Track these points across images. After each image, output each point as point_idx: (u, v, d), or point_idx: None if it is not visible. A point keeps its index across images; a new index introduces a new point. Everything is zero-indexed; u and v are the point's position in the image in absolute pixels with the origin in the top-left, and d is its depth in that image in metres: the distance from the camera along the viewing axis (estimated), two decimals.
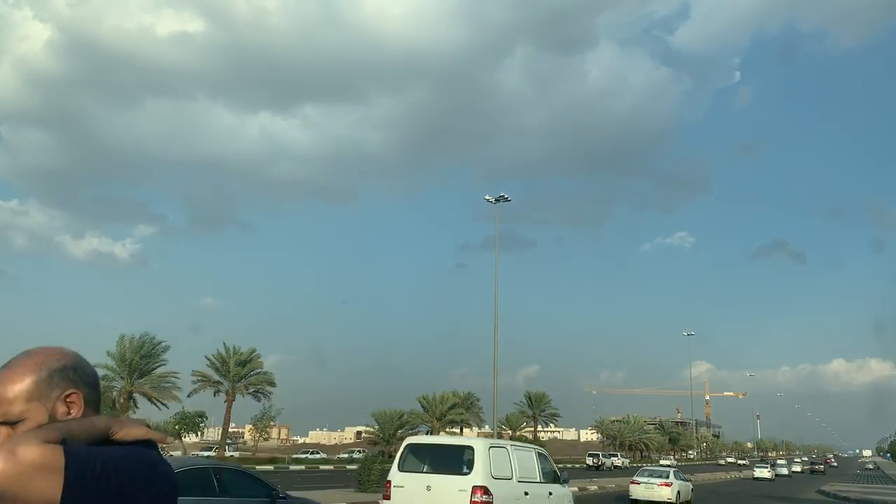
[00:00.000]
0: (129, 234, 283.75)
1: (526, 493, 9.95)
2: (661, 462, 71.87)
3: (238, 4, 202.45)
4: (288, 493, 10.27)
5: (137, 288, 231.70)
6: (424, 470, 10.00)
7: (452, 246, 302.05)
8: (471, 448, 9.76)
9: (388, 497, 10.04)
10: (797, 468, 75.60)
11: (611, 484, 33.49)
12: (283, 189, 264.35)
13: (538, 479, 10.62)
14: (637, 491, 23.37)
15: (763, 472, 52.83)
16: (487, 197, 45.54)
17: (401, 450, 10.53)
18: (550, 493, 10.64)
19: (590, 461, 62.02)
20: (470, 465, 9.43)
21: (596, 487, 31.14)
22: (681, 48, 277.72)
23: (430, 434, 67.43)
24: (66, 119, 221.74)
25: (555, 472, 11.45)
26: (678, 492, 23.45)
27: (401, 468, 10.07)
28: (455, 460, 9.83)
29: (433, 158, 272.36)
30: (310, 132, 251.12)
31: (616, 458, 69.46)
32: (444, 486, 9.37)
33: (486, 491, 9.04)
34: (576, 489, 18.57)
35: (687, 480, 26.38)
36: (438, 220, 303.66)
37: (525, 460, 10.51)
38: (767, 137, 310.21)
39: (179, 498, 1.67)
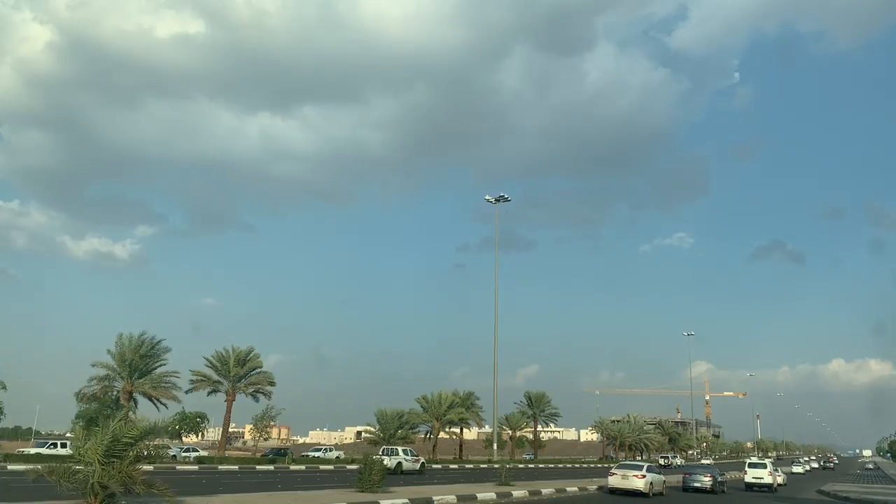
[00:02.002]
0: (129, 234, 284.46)
1: None
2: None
3: (238, 6, 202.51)
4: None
5: (137, 288, 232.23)
6: None
7: (451, 246, 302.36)
8: None
9: None
10: (815, 465, 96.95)
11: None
12: (283, 190, 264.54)
13: None
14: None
15: (798, 469, 74.04)
16: (487, 197, 45.69)
17: None
18: None
19: (662, 461, 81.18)
20: None
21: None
22: (679, 49, 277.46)
23: (430, 434, 67.36)
24: (66, 120, 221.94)
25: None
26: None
27: None
28: None
29: (432, 159, 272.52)
30: (309, 133, 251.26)
31: (677, 458, 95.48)
32: None
33: None
34: None
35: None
36: (437, 220, 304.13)
37: None
38: (766, 138, 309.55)
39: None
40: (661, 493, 29.48)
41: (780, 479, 42.90)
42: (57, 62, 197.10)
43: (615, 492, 28.16)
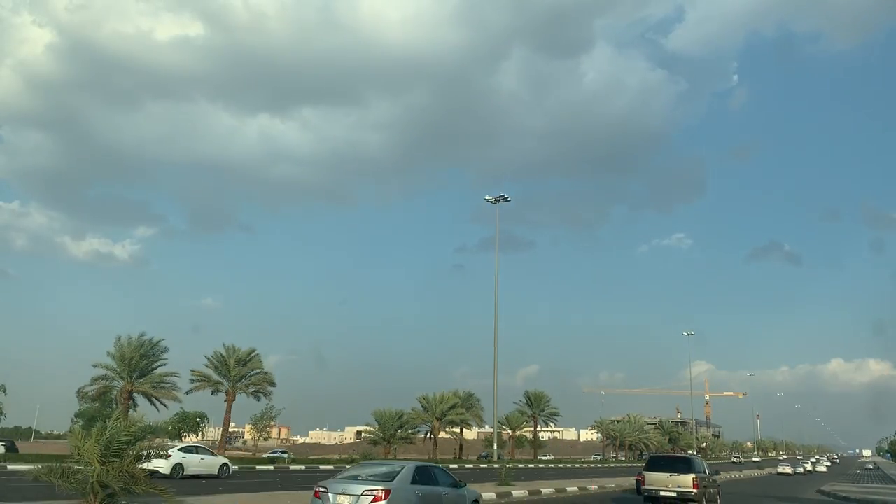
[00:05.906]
0: (129, 235, 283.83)
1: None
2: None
3: (237, 9, 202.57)
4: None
5: (137, 288, 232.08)
6: None
7: (450, 247, 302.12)
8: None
9: None
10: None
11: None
12: (282, 190, 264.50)
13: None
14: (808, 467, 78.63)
15: (827, 463, 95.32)
16: (487, 197, 45.61)
17: None
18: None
19: (734, 460, 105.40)
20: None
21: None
22: (676, 51, 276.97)
23: (430, 434, 67.39)
24: (66, 121, 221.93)
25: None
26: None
27: None
28: None
29: (431, 160, 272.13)
30: (308, 134, 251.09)
31: (740, 458, 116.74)
32: None
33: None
34: None
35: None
36: (436, 221, 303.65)
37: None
38: (763, 139, 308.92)
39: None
40: (792, 475, 65.29)
41: (821, 468, 79.30)
42: (57, 64, 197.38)
43: (780, 474, 64.81)
